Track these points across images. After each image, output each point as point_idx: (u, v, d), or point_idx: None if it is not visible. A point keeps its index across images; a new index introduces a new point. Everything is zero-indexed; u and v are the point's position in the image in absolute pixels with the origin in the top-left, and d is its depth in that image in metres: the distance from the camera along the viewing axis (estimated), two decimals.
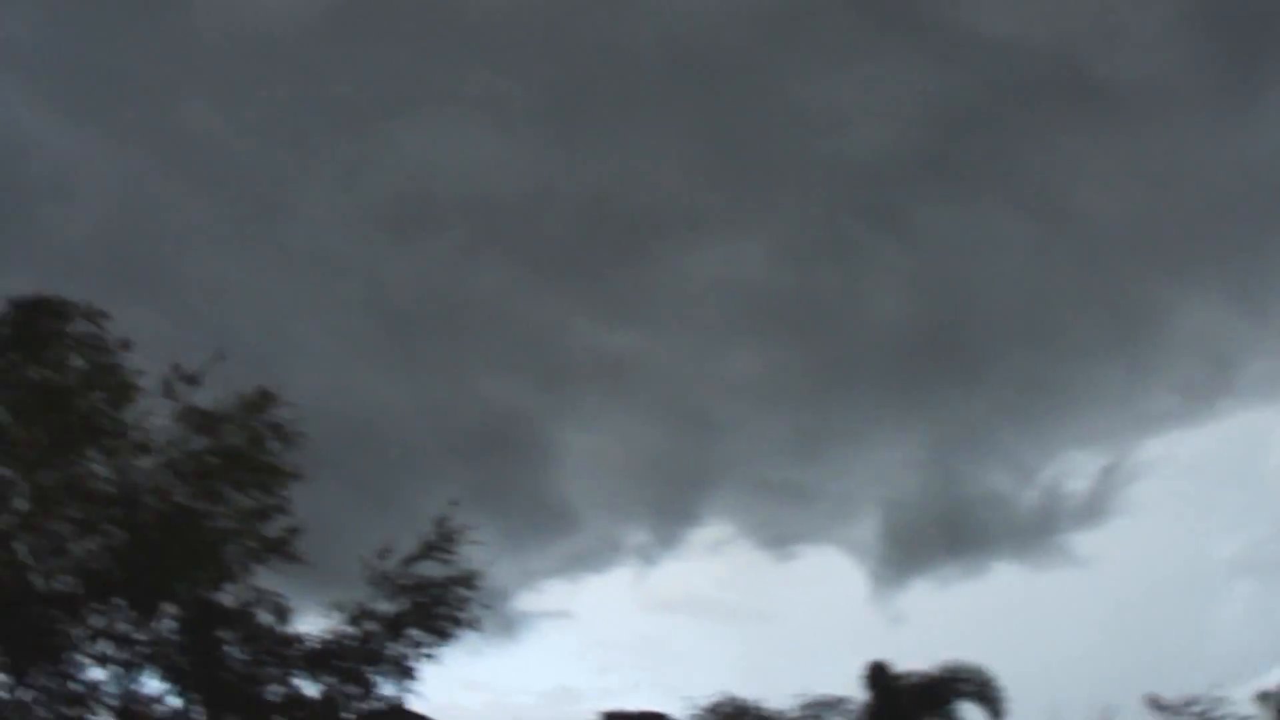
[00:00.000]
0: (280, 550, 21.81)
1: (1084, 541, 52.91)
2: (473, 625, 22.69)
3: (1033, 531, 53.70)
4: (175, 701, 22.00)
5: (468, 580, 22.55)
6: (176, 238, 45.03)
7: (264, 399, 21.99)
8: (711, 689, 34.90)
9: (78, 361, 21.72)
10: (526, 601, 43.66)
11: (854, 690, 34.02)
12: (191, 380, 21.63)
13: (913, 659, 34.09)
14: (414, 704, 22.97)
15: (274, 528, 21.93)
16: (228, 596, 21.91)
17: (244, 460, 21.72)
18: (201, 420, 21.71)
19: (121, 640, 21.63)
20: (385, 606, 22.29)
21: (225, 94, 50.21)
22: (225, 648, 21.96)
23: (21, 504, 21.21)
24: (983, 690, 33.98)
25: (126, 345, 21.32)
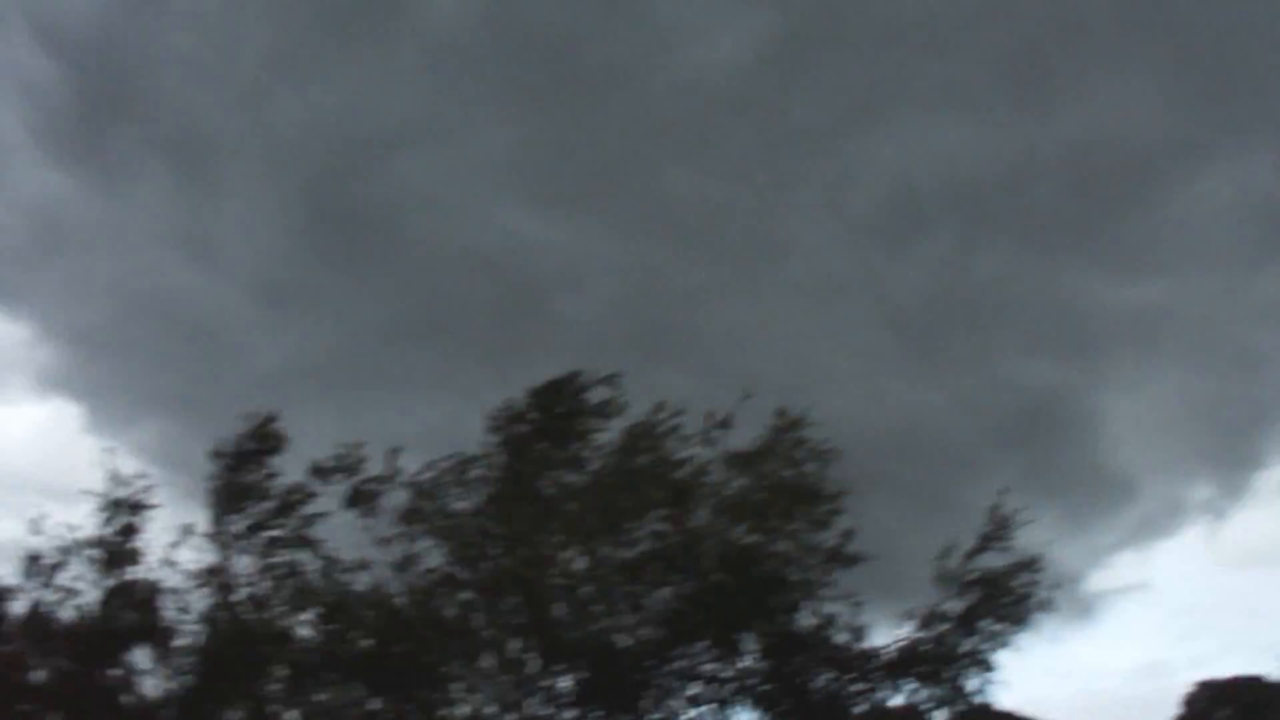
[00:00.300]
0: (841, 557, 21.94)
1: None
2: (1044, 608, 22.11)
3: None
4: None
5: (1030, 565, 21.97)
6: (684, 297, 46.66)
7: (791, 424, 22.30)
8: None
9: (607, 429, 22.85)
10: (1098, 580, 41.71)
11: None
12: (726, 424, 22.20)
13: None
14: (999, 697, 22.66)
15: (829, 538, 22.10)
16: (803, 621, 22.25)
17: (789, 489, 22.05)
18: (742, 460, 22.23)
19: (710, 679, 22.43)
20: (954, 605, 22.03)
21: (694, 151, 51.40)
22: (808, 671, 22.31)
23: (590, 572, 22.43)
24: None
25: (662, 406, 22.17)
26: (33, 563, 22.26)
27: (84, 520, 22.33)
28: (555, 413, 22.81)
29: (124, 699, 22.20)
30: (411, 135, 49.87)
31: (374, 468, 22.13)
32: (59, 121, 49.07)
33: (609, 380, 22.84)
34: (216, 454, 22.68)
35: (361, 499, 21.91)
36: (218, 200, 49.62)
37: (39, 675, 22.70)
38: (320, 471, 22.06)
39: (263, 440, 22.78)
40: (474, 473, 22.37)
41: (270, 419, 23.02)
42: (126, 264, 49.65)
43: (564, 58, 49.14)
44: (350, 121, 49.61)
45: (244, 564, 22.21)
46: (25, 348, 53.33)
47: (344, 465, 22.07)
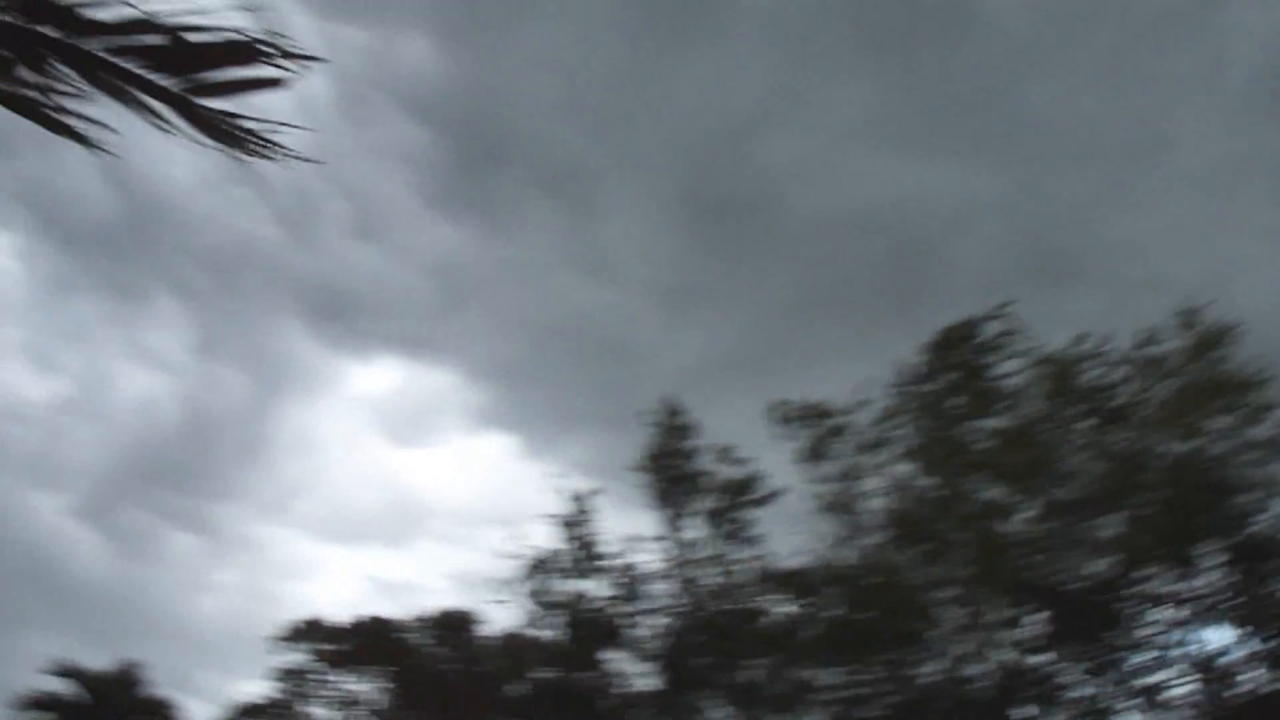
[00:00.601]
0: None
1: None
2: None
3: None
4: (1237, 642, 22.14)
5: None
6: (1074, 215, 45.85)
7: (1207, 322, 21.99)
8: None
9: (1012, 366, 23.07)
10: None
11: None
12: (1149, 340, 22.11)
13: None
14: None
15: (1266, 430, 21.48)
16: (1260, 526, 21.75)
17: (1216, 388, 21.66)
18: (1165, 369, 22.06)
19: (1173, 601, 22.10)
20: None
21: (1051, 63, 49.81)
22: (1273, 577, 21.74)
23: (1036, 512, 22.51)
24: None
25: (1082, 338, 22.31)
26: (504, 582, 23.60)
27: (541, 540, 23.64)
28: (959, 362, 23.09)
29: (601, 701, 23.20)
30: (770, 113, 51.19)
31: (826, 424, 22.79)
32: (441, 180, 53.72)
33: (1001, 314, 23.02)
34: (647, 457, 23.77)
35: (817, 453, 22.57)
36: (601, 218, 52.95)
37: (518, 689, 23.96)
38: (786, 419, 22.81)
39: (677, 431, 23.81)
40: (898, 430, 22.80)
41: (677, 410, 24.09)
42: (531, 297, 53.69)
43: (902, 2, 49.41)
44: (708, 114, 51.57)
45: (700, 551, 23.07)
46: (455, 392, 58.25)
47: (806, 415, 22.80)
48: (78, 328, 56.28)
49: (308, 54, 3.56)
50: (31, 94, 3.79)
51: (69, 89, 3.70)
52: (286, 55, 3.54)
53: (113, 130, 3.83)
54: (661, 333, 49.81)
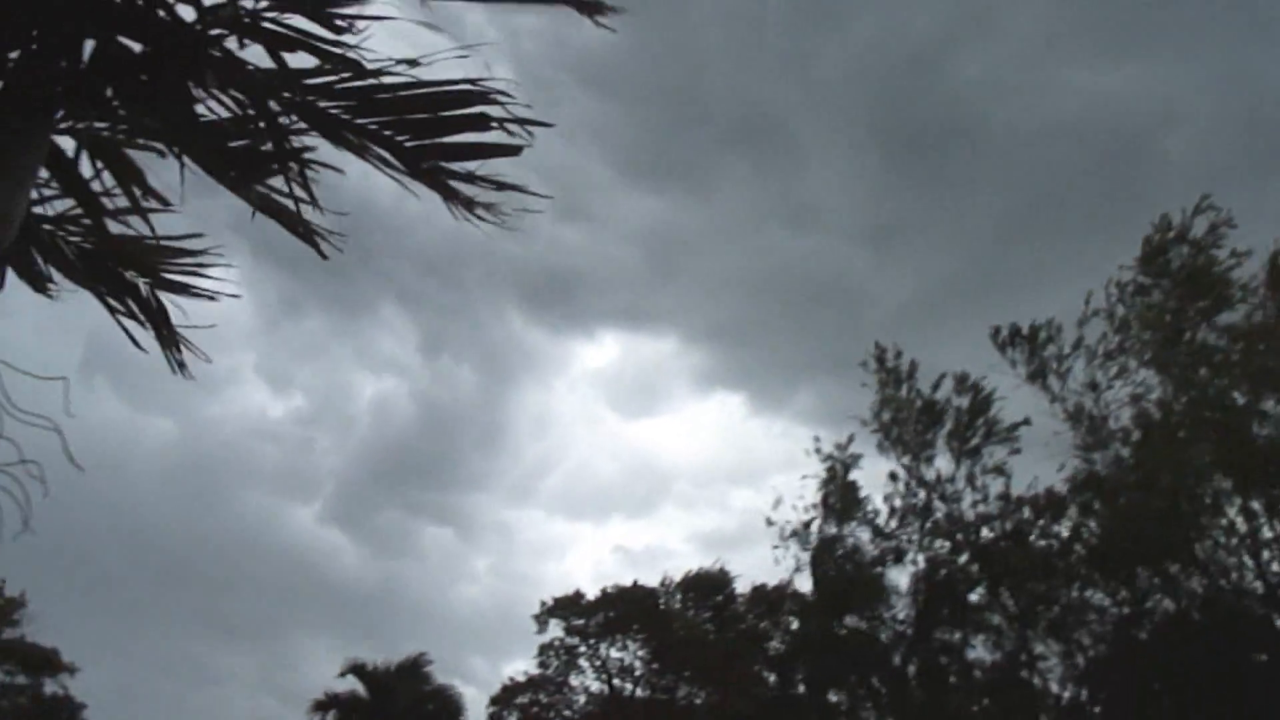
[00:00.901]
0: None
1: None
2: None
3: None
4: None
5: None
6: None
7: None
8: None
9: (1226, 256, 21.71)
10: None
11: None
12: None
13: None
14: None
15: None
16: None
17: None
18: None
19: None
20: None
21: None
22: None
23: None
24: None
25: None
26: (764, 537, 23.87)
27: (791, 492, 23.77)
28: (1179, 264, 21.94)
29: (867, 647, 23.25)
30: (956, 34, 49.37)
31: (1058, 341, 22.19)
32: (635, 152, 54.28)
33: (1204, 208, 21.70)
34: (878, 401, 23.58)
35: (1054, 372, 22.00)
36: (798, 166, 52.47)
37: (780, 642, 24.29)
38: (1017, 341, 22.32)
39: (897, 372, 23.51)
40: (1132, 340, 21.88)
41: (884, 352, 23.78)
42: (739, 254, 54.06)
43: None
44: (892, 44, 50.21)
45: (951, 484, 22.83)
46: (676, 358, 59.78)
47: (1037, 335, 22.26)
48: (308, 344, 59.53)
49: (537, 120, 3.65)
50: (277, 199, 3.96)
51: (306, 199, 3.86)
52: (517, 121, 3.64)
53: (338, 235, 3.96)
54: (874, 272, 49.04)
